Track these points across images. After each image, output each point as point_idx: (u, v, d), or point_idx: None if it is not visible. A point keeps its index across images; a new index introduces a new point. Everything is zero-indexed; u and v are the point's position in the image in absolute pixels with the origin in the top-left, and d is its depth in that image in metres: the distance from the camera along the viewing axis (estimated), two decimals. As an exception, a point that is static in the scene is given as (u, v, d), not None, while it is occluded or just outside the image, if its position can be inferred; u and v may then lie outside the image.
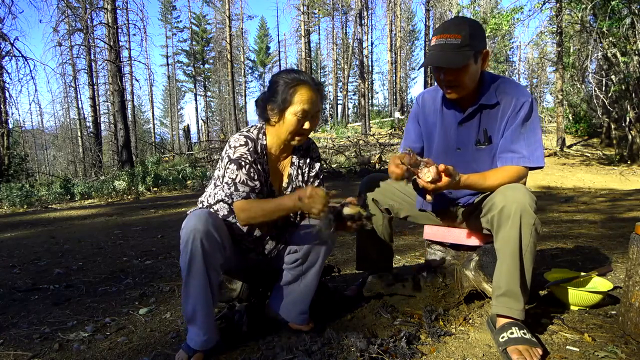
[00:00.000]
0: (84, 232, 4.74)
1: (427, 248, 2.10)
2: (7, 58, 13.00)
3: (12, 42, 12.80)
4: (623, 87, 11.69)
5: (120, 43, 15.50)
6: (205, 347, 1.52)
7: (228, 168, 1.56)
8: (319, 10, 33.28)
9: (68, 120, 30.40)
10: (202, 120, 39.25)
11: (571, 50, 15.17)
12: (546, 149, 13.08)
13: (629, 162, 12.51)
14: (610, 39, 10.87)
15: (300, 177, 1.75)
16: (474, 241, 1.90)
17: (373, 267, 2.04)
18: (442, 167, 1.47)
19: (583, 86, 15.51)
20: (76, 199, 8.98)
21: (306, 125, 1.58)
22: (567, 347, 1.53)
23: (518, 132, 1.65)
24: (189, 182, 10.42)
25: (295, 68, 1.96)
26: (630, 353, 1.46)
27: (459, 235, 1.94)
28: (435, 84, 1.76)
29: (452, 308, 1.84)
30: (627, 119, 12.31)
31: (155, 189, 9.75)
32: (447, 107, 1.78)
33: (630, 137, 12.56)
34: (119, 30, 14.97)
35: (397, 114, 24.94)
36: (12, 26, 42.48)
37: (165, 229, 4.62)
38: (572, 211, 5.35)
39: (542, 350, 1.47)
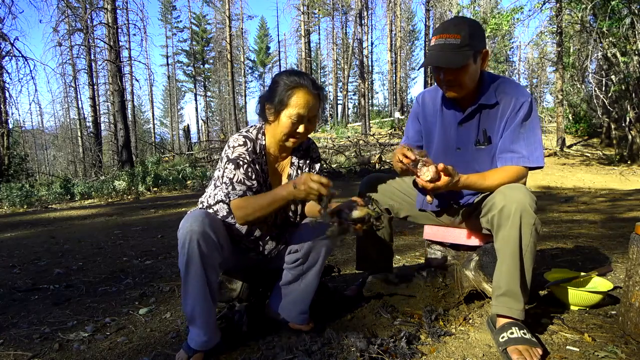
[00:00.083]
0: (84, 232, 4.74)
1: (427, 248, 2.10)
2: (7, 58, 13.01)
3: (12, 42, 12.81)
4: (623, 87, 11.69)
5: (120, 43, 15.50)
6: (206, 348, 1.52)
7: (226, 168, 1.56)
8: (319, 10, 33.29)
9: (68, 120, 30.41)
10: (202, 120, 39.26)
11: (571, 50, 15.17)
12: (546, 149, 13.09)
13: (629, 162, 12.51)
14: (610, 39, 10.87)
15: None
16: (474, 241, 1.90)
17: (373, 267, 2.04)
18: (441, 166, 1.47)
19: (583, 86, 15.52)
20: (76, 199, 8.98)
21: (300, 129, 1.57)
22: (567, 347, 1.53)
23: (517, 132, 1.65)
24: (189, 182, 10.42)
25: (298, 70, 1.95)
26: (630, 353, 1.46)
27: (459, 235, 1.94)
28: (435, 83, 1.76)
29: (452, 308, 1.84)
30: (627, 119, 12.32)
31: (155, 189, 9.76)
32: (447, 107, 1.78)
33: (630, 137, 12.56)
34: (119, 30, 14.97)
35: (397, 114, 24.95)
36: (12, 26, 42.52)
37: (165, 229, 4.62)
38: (572, 211, 5.35)
39: (542, 350, 1.47)
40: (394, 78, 34.72)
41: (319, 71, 44.17)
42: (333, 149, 13.60)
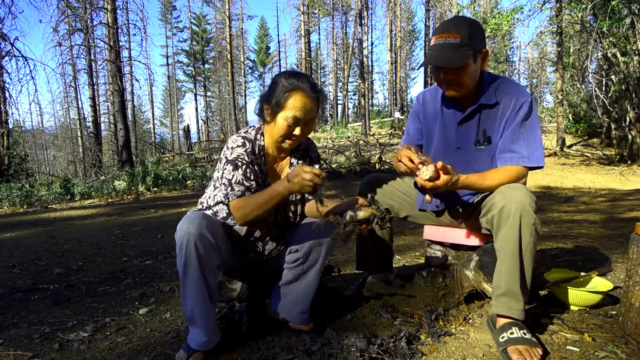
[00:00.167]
0: (84, 232, 4.74)
1: (427, 248, 2.10)
2: (7, 58, 13.02)
3: (12, 42, 12.81)
4: (623, 87, 11.69)
5: (120, 43, 15.50)
6: (206, 348, 1.52)
7: (225, 169, 1.56)
8: (319, 10, 33.29)
9: (68, 120, 30.41)
10: (202, 120, 39.26)
11: (571, 50, 15.17)
12: (546, 149, 13.09)
13: (629, 162, 12.51)
14: (610, 39, 10.87)
15: None
16: (474, 241, 1.90)
17: (373, 267, 2.04)
18: (439, 164, 1.47)
19: (583, 86, 15.52)
20: (76, 199, 8.98)
21: (297, 131, 1.57)
22: (567, 347, 1.53)
23: (517, 132, 1.65)
24: (189, 182, 10.42)
25: (299, 71, 1.94)
26: (630, 353, 1.46)
27: (459, 235, 1.94)
28: (435, 83, 1.76)
29: (452, 308, 1.84)
30: (627, 119, 12.32)
31: (155, 189, 9.75)
32: (447, 107, 1.78)
33: (630, 137, 12.56)
34: (119, 30, 14.97)
35: (397, 114, 24.95)
36: (12, 26, 42.50)
37: (165, 229, 4.62)
38: (572, 211, 5.35)
39: (542, 350, 1.47)
40: (394, 78, 34.73)
41: (319, 71, 44.17)
42: (333, 149, 13.60)
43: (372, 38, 40.93)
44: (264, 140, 1.66)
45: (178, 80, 42.01)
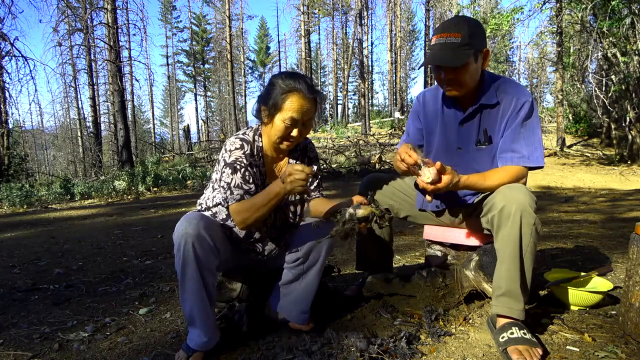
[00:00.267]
0: (84, 232, 4.74)
1: (427, 248, 2.10)
2: (7, 58, 13.02)
3: (12, 42, 12.81)
4: (623, 87, 11.69)
5: (120, 43, 15.50)
6: (205, 348, 1.52)
7: (224, 172, 1.56)
8: (319, 10, 33.29)
9: (68, 120, 30.41)
10: (202, 120, 39.26)
11: (571, 50, 15.17)
12: (546, 149, 13.08)
13: (629, 162, 12.51)
14: (610, 39, 10.87)
15: None
16: (474, 241, 1.90)
17: (373, 267, 2.04)
18: (438, 164, 1.46)
19: (583, 86, 15.52)
20: (76, 199, 8.98)
21: (294, 132, 1.56)
22: (567, 347, 1.53)
23: (518, 132, 1.65)
24: (189, 182, 10.42)
25: (296, 72, 1.92)
26: (630, 353, 1.46)
27: (459, 235, 1.94)
28: (436, 83, 1.76)
29: (452, 308, 1.84)
30: (627, 119, 12.31)
31: (155, 189, 9.75)
32: (448, 107, 1.78)
33: (630, 137, 12.56)
34: (119, 30, 14.97)
35: (397, 114, 24.95)
36: (12, 26, 42.53)
37: (165, 229, 4.62)
38: (572, 211, 5.35)
39: (542, 350, 1.47)
40: (394, 78, 34.73)
41: (319, 71, 44.17)
42: (333, 149, 13.60)
43: (372, 38, 40.94)
44: (262, 141, 1.65)
45: (178, 80, 42.02)
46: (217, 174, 1.63)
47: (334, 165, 11.51)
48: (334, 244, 1.69)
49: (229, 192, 1.54)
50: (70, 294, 2.44)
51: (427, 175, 1.47)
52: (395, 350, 1.49)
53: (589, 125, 16.32)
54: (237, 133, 1.65)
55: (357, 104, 41.14)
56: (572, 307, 1.86)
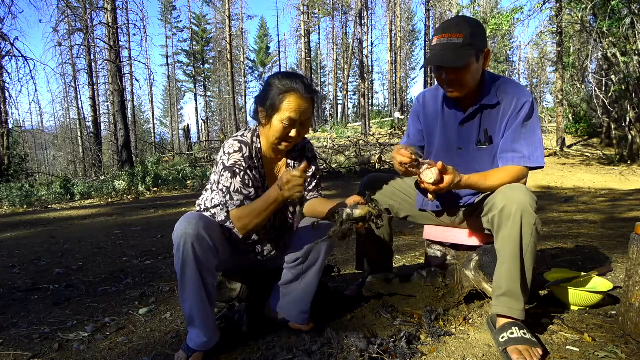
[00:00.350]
0: (84, 232, 4.74)
1: (427, 248, 2.10)
2: (7, 58, 13.01)
3: (12, 42, 12.80)
4: (623, 87, 11.68)
5: (120, 43, 15.50)
6: (205, 348, 1.52)
7: (223, 175, 1.56)
8: (319, 10, 33.29)
9: (68, 120, 30.42)
10: (202, 120, 39.27)
11: (571, 50, 15.17)
12: (546, 149, 13.08)
13: (629, 162, 12.51)
14: (610, 39, 10.87)
15: None
16: (474, 241, 1.90)
17: (373, 267, 2.04)
18: (439, 164, 1.46)
19: (583, 86, 15.52)
20: (76, 199, 8.98)
21: (292, 133, 1.56)
22: (567, 347, 1.53)
23: (519, 132, 1.65)
24: (189, 182, 10.42)
25: (292, 72, 1.92)
26: (630, 353, 1.46)
27: (459, 235, 1.94)
28: (436, 83, 1.76)
29: (452, 308, 1.84)
30: (627, 119, 12.31)
31: (155, 189, 9.75)
32: (448, 107, 1.78)
33: (630, 137, 12.56)
34: (119, 30, 14.97)
35: (397, 114, 24.94)
36: (12, 26, 42.53)
37: (165, 229, 4.62)
38: (572, 211, 5.35)
39: (542, 350, 1.47)
40: (394, 78, 34.73)
41: (319, 71, 44.17)
42: (333, 149, 13.60)
43: (372, 38, 40.94)
44: (260, 142, 1.65)
45: (178, 80, 42.02)
46: (215, 175, 1.62)
47: (334, 165, 11.51)
48: (333, 244, 1.69)
49: (228, 196, 1.54)
50: (70, 294, 2.44)
51: (429, 175, 1.47)
52: (395, 350, 1.49)
53: (589, 125, 16.32)
54: (235, 135, 1.64)
55: (357, 104, 41.16)
56: (572, 307, 1.86)
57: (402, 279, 1.91)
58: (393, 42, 33.20)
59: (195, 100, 42.23)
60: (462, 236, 1.93)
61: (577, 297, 1.83)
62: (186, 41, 40.96)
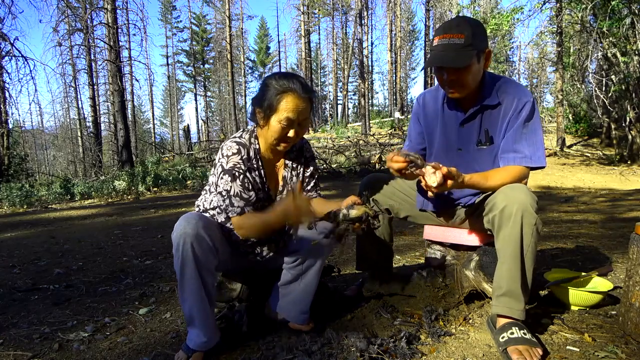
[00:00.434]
0: (84, 232, 4.74)
1: (427, 248, 2.10)
2: (7, 58, 13.01)
3: (12, 42, 12.81)
4: (623, 87, 11.68)
5: (120, 43, 15.50)
6: (205, 348, 1.52)
7: (222, 178, 1.55)
8: (319, 10, 33.29)
9: (68, 120, 30.42)
10: (202, 120, 39.28)
11: (571, 50, 15.16)
12: (546, 149, 13.03)
13: (629, 162, 12.50)
14: (610, 39, 10.86)
15: (294, 179, 1.74)
16: (474, 241, 1.90)
17: (373, 267, 2.04)
18: (445, 170, 1.45)
19: (583, 86, 15.51)
20: (76, 199, 8.98)
21: (291, 133, 1.56)
22: (567, 347, 1.53)
23: (520, 132, 1.65)
24: (189, 182, 10.42)
25: (289, 72, 1.91)
26: (630, 353, 1.46)
27: (459, 235, 1.94)
28: (437, 84, 1.76)
29: (452, 308, 1.84)
30: (627, 119, 12.31)
31: (155, 189, 9.75)
32: (449, 108, 1.78)
33: (630, 137, 12.55)
34: (119, 30, 14.97)
35: (397, 114, 24.94)
36: (12, 26, 42.53)
37: (165, 229, 4.62)
38: (572, 211, 5.35)
39: (542, 350, 1.47)
40: (394, 78, 34.72)
41: (319, 71, 44.17)
42: (333, 149, 13.60)
43: (372, 38, 40.94)
44: (258, 144, 1.64)
45: (178, 80, 42.02)
46: (214, 177, 1.62)
47: (334, 165, 11.51)
48: (332, 245, 1.69)
49: (228, 200, 1.54)
50: (70, 294, 2.44)
51: (433, 179, 1.46)
52: (395, 350, 1.49)
53: (589, 125, 16.31)
54: (233, 136, 1.63)
55: (357, 104, 41.16)
56: (572, 307, 1.86)
57: (402, 279, 1.91)
58: (393, 42, 33.20)
59: (195, 100, 42.27)
60: (462, 236, 1.93)
61: (577, 297, 1.83)
62: (186, 41, 40.99)
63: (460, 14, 16.45)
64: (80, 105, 25.36)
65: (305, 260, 1.70)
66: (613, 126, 13.63)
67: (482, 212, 1.68)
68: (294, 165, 1.74)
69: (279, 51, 43.01)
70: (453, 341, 1.59)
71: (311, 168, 1.77)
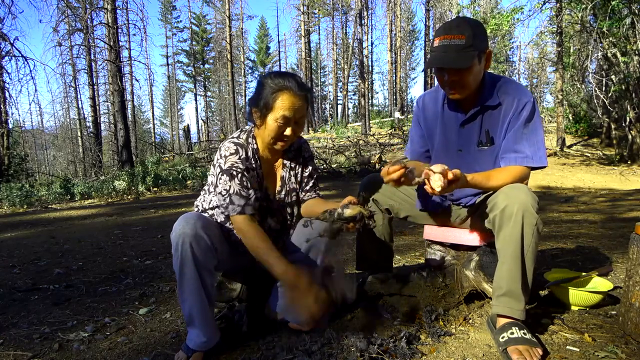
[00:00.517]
0: (84, 232, 4.74)
1: (427, 248, 2.10)
2: (7, 58, 13.03)
3: (12, 42, 12.82)
4: (623, 87, 11.67)
5: (120, 43, 15.51)
6: (205, 348, 1.52)
7: (220, 178, 1.55)
8: (319, 10, 33.28)
9: (68, 120, 30.43)
10: (202, 120, 39.29)
11: (571, 50, 15.15)
12: (546, 149, 13.03)
13: (629, 162, 12.50)
14: (610, 39, 10.86)
15: (293, 179, 1.74)
16: (474, 241, 1.89)
17: (373, 267, 2.04)
18: (451, 176, 1.44)
19: (583, 86, 15.51)
20: (76, 199, 8.98)
21: (287, 131, 1.55)
22: (567, 347, 1.53)
23: (521, 132, 1.65)
24: (189, 182, 10.42)
25: (284, 71, 1.92)
26: (630, 353, 1.46)
27: (459, 235, 1.94)
28: (436, 85, 1.76)
29: (452, 308, 1.84)
30: (627, 119, 12.30)
31: (155, 189, 9.75)
32: (449, 109, 1.77)
33: (630, 137, 12.55)
34: (119, 30, 14.97)
35: (397, 114, 24.93)
36: (12, 26, 42.55)
37: (165, 229, 4.62)
38: (572, 211, 5.35)
39: (542, 350, 1.47)
40: (394, 78, 34.71)
41: (319, 71, 44.18)
42: (333, 149, 13.60)
43: (372, 38, 40.94)
44: (256, 143, 1.64)
45: (178, 80, 42.02)
46: (212, 177, 1.62)
47: (334, 165, 11.51)
48: (330, 244, 1.69)
49: (228, 199, 1.54)
50: (70, 294, 2.44)
51: (438, 184, 1.46)
52: (395, 350, 1.49)
53: (589, 125, 16.30)
54: (231, 136, 1.63)
55: (357, 104, 41.16)
56: (572, 307, 1.86)
57: (402, 279, 1.91)
58: (393, 42, 33.19)
59: (195, 100, 42.28)
60: (462, 236, 1.93)
61: (577, 297, 1.83)
62: (186, 41, 41.00)
63: (460, 14, 16.44)
64: (80, 105, 25.39)
65: (304, 260, 1.69)
66: (613, 126, 13.63)
67: (483, 212, 1.68)
68: (292, 165, 1.74)
69: (279, 51, 43.05)
70: (453, 341, 1.59)
71: (310, 168, 1.77)
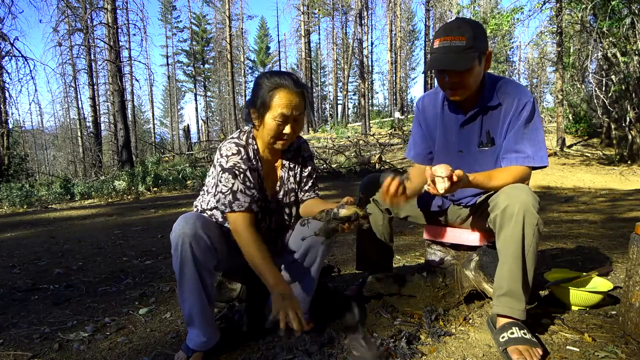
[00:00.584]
0: (84, 232, 4.74)
1: (427, 248, 2.10)
2: (7, 58, 13.03)
3: (12, 42, 12.82)
4: (623, 87, 11.67)
5: (120, 43, 15.51)
6: (205, 348, 1.52)
7: (222, 177, 1.54)
8: (319, 10, 33.28)
9: (68, 120, 30.42)
10: (202, 120, 39.29)
11: (571, 50, 15.15)
12: (547, 149, 13.00)
13: (629, 162, 12.50)
14: (610, 39, 10.86)
15: (292, 179, 1.73)
16: (474, 241, 1.90)
17: (373, 267, 2.04)
18: (455, 178, 1.44)
19: (583, 86, 15.50)
20: (76, 199, 8.98)
21: (287, 129, 1.55)
22: (567, 347, 1.53)
23: (521, 132, 1.65)
24: (189, 182, 10.42)
25: (280, 70, 1.94)
26: (630, 353, 1.46)
27: (459, 235, 1.94)
28: (436, 86, 1.75)
29: (452, 308, 1.84)
30: (627, 119, 12.30)
31: (155, 189, 9.75)
32: (449, 110, 1.77)
33: (630, 137, 12.55)
34: (119, 30, 14.97)
35: (397, 114, 24.93)
36: (12, 26, 42.55)
37: (165, 229, 4.62)
38: (572, 211, 5.35)
39: (542, 350, 1.47)
40: (394, 78, 34.71)
41: (319, 71, 44.18)
42: (333, 149, 13.60)
43: (372, 38, 40.93)
44: (256, 143, 1.64)
45: (178, 80, 42.02)
46: (212, 178, 1.61)
47: (334, 165, 11.51)
48: (330, 244, 1.68)
49: (231, 196, 1.52)
50: (70, 294, 2.44)
51: (442, 186, 1.45)
52: (395, 350, 1.49)
53: (589, 125, 16.30)
54: (231, 137, 1.63)
55: (357, 104, 41.16)
56: (572, 307, 1.86)
57: (402, 279, 1.91)
58: (393, 42, 33.19)
59: (195, 100, 42.28)
60: (462, 236, 1.93)
61: (577, 297, 1.83)
62: (186, 41, 40.99)
63: (460, 14, 16.45)
64: (80, 105, 25.39)
65: (304, 260, 1.69)
66: (613, 126, 13.63)
67: (483, 212, 1.68)
68: (291, 165, 1.74)
69: (279, 51, 43.04)
70: (453, 341, 1.59)
71: (309, 168, 1.77)
